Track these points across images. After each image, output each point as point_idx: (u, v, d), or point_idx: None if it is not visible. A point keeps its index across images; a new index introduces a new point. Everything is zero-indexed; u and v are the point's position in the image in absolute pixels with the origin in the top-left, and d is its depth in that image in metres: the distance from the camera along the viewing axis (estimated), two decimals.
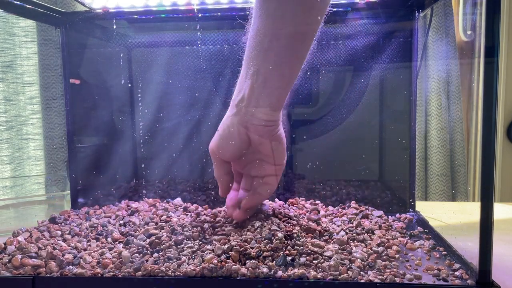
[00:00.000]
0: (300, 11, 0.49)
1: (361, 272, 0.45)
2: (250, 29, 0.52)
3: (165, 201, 0.74)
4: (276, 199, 0.73)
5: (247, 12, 0.53)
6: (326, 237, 0.55)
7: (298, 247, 0.50)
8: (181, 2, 0.72)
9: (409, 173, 0.73)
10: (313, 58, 0.75)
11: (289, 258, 0.48)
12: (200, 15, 0.72)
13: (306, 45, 0.51)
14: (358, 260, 0.48)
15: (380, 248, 0.52)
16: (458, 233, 0.58)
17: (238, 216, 0.57)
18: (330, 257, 0.48)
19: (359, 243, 0.54)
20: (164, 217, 0.64)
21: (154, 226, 0.59)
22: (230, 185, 0.60)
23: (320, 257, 0.49)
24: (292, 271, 0.45)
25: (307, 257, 0.48)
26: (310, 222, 0.59)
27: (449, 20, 1.26)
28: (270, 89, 0.52)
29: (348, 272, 0.45)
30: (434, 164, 1.31)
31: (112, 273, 0.47)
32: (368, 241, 0.54)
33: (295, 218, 0.60)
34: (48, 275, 0.47)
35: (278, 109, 0.54)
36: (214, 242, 0.53)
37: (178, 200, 0.72)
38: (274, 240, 0.50)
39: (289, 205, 0.71)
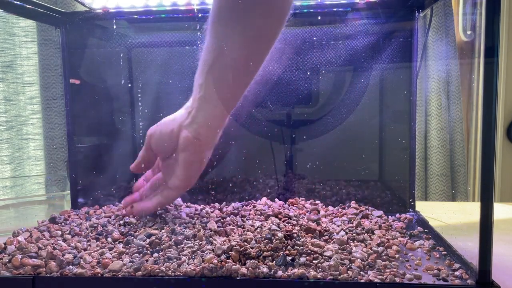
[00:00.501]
0: (245, 39, 0.51)
1: (361, 272, 0.45)
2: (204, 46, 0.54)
3: None
4: (276, 199, 0.73)
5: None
6: (326, 237, 0.55)
7: (298, 247, 0.50)
8: (181, 2, 0.72)
9: (409, 173, 0.73)
10: (313, 58, 0.75)
11: (289, 258, 0.48)
12: (200, 15, 0.72)
13: (249, 69, 0.53)
14: (358, 260, 0.48)
15: (380, 248, 0.52)
16: (458, 233, 0.58)
17: (130, 211, 0.63)
18: (330, 257, 0.48)
19: (359, 243, 0.54)
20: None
21: (154, 227, 0.60)
22: (143, 166, 0.65)
23: (320, 257, 0.49)
24: (292, 271, 0.45)
25: (307, 257, 0.48)
26: (310, 222, 0.59)
27: (449, 20, 1.26)
28: (210, 106, 0.55)
29: (348, 272, 0.45)
30: (434, 164, 1.31)
31: (112, 273, 0.47)
32: (368, 241, 0.54)
33: (295, 218, 0.61)
34: (48, 275, 0.47)
35: (215, 128, 0.57)
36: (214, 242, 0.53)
37: (178, 201, 0.72)
38: (274, 240, 0.50)
39: (289, 205, 0.71)
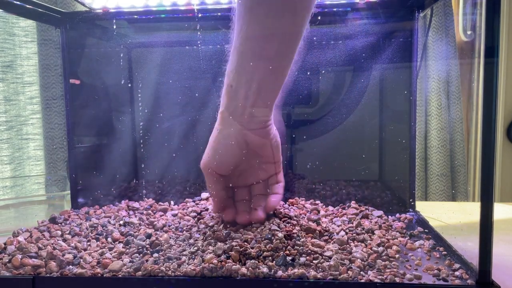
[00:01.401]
0: (287, 13, 0.49)
1: (361, 272, 0.45)
2: (237, 37, 0.52)
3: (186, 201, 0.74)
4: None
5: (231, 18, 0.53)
6: (326, 237, 0.55)
7: (298, 247, 0.50)
8: (181, 2, 0.72)
9: (409, 173, 0.73)
10: (313, 58, 0.75)
11: (289, 258, 0.48)
12: (200, 15, 0.72)
13: (295, 46, 0.52)
14: (358, 260, 0.48)
15: (380, 248, 0.52)
16: (458, 233, 0.58)
17: (258, 218, 0.57)
18: (330, 257, 0.48)
19: (359, 243, 0.54)
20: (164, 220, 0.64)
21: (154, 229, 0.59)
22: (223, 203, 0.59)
23: (320, 257, 0.49)
24: (292, 271, 0.45)
25: (307, 257, 0.48)
26: (310, 222, 0.59)
27: (449, 20, 1.26)
28: (265, 93, 0.53)
29: (348, 272, 0.45)
30: (434, 164, 1.31)
31: (112, 273, 0.47)
32: (368, 241, 0.54)
33: (295, 218, 0.60)
34: (48, 275, 0.47)
35: (272, 109, 0.55)
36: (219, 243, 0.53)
37: (204, 195, 0.74)
38: (274, 240, 0.50)
39: (289, 205, 0.71)
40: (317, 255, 0.49)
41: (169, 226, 0.61)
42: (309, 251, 0.49)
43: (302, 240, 0.52)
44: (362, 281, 0.44)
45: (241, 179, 0.59)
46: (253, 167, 0.58)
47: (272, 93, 0.53)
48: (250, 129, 0.54)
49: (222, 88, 0.55)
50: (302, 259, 0.48)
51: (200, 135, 0.80)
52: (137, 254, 0.51)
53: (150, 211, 0.69)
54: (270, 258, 0.48)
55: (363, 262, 0.47)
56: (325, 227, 0.58)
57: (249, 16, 0.50)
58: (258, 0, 0.49)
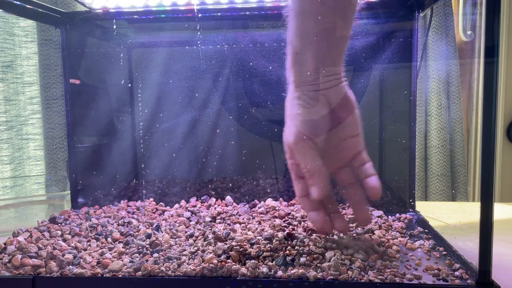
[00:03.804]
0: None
1: (361, 272, 0.45)
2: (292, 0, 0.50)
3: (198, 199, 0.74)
4: (281, 199, 0.73)
5: None
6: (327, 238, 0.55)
7: (298, 248, 0.50)
8: (181, 2, 0.72)
9: (409, 173, 0.73)
10: None
11: (289, 258, 0.48)
12: (200, 15, 0.72)
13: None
14: (358, 260, 0.48)
15: (381, 248, 0.52)
16: (458, 233, 0.58)
17: (367, 216, 0.51)
18: (330, 257, 0.48)
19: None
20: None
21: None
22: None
23: (321, 257, 0.49)
24: (292, 271, 0.45)
25: (307, 257, 0.48)
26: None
27: (449, 20, 1.26)
28: (332, 50, 0.51)
29: (348, 272, 0.45)
30: (434, 164, 1.31)
31: (112, 273, 0.47)
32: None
33: (299, 219, 0.61)
34: (48, 275, 0.47)
35: (341, 63, 0.53)
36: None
37: (229, 198, 0.74)
38: (274, 240, 0.50)
39: (289, 206, 0.71)
40: (317, 255, 0.49)
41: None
42: (309, 251, 0.49)
43: (306, 240, 0.52)
44: (362, 281, 0.44)
45: (331, 160, 0.52)
46: (340, 142, 0.52)
47: (338, 48, 0.52)
48: (327, 88, 0.51)
49: (286, 59, 0.53)
50: (302, 259, 0.48)
51: (200, 135, 0.80)
52: (137, 254, 0.51)
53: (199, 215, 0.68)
54: (270, 258, 0.48)
55: (363, 262, 0.47)
56: None
57: None
58: None
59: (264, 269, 0.45)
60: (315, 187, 0.50)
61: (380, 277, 0.44)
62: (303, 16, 0.50)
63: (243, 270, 0.45)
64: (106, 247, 0.54)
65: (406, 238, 0.57)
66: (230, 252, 0.48)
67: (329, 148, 0.52)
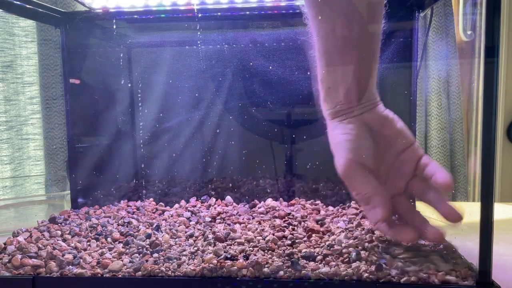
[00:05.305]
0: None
1: (361, 272, 0.45)
2: (317, 39, 0.51)
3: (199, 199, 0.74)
4: (281, 199, 0.73)
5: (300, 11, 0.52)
6: (327, 238, 0.55)
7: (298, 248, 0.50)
8: (181, 2, 0.72)
9: None
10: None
11: (289, 258, 0.48)
12: (200, 15, 0.72)
13: (377, 25, 0.51)
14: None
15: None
16: (458, 233, 0.57)
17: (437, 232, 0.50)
18: (330, 257, 0.48)
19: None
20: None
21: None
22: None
23: (321, 256, 0.49)
24: (292, 271, 0.45)
25: (307, 257, 0.48)
26: (314, 224, 0.59)
27: (449, 20, 1.26)
28: (362, 79, 0.52)
29: (348, 271, 0.45)
30: None
31: (112, 273, 0.47)
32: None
33: (299, 219, 0.61)
34: (48, 275, 0.47)
35: (374, 87, 0.53)
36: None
37: (229, 198, 0.74)
38: (274, 240, 0.50)
39: (289, 206, 0.71)
40: (317, 255, 0.49)
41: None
42: (309, 251, 0.49)
43: (305, 240, 0.52)
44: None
45: (396, 178, 0.53)
46: (396, 158, 0.52)
47: (368, 77, 0.52)
48: (362, 113, 0.52)
49: (319, 95, 0.54)
50: (302, 259, 0.48)
51: (200, 135, 0.80)
52: (137, 254, 0.51)
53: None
54: (270, 258, 0.48)
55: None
56: (327, 227, 0.58)
57: (321, 14, 0.49)
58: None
59: (264, 269, 0.45)
60: (378, 208, 0.49)
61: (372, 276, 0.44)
62: (329, 52, 0.51)
63: (243, 270, 0.45)
64: (106, 247, 0.54)
65: None
66: (230, 252, 0.48)
67: (388, 168, 0.52)
